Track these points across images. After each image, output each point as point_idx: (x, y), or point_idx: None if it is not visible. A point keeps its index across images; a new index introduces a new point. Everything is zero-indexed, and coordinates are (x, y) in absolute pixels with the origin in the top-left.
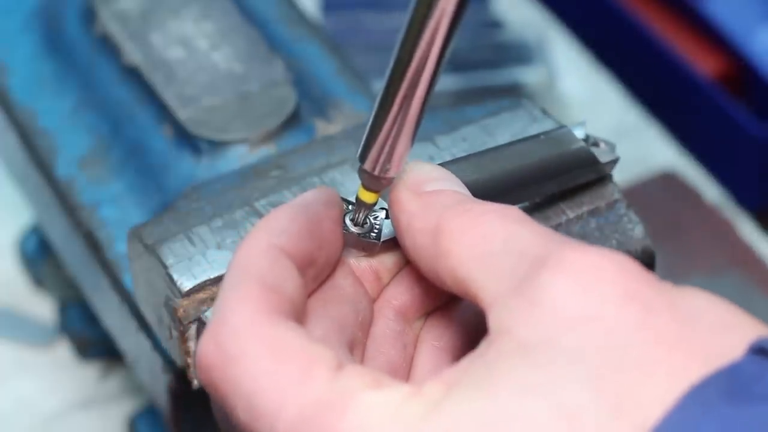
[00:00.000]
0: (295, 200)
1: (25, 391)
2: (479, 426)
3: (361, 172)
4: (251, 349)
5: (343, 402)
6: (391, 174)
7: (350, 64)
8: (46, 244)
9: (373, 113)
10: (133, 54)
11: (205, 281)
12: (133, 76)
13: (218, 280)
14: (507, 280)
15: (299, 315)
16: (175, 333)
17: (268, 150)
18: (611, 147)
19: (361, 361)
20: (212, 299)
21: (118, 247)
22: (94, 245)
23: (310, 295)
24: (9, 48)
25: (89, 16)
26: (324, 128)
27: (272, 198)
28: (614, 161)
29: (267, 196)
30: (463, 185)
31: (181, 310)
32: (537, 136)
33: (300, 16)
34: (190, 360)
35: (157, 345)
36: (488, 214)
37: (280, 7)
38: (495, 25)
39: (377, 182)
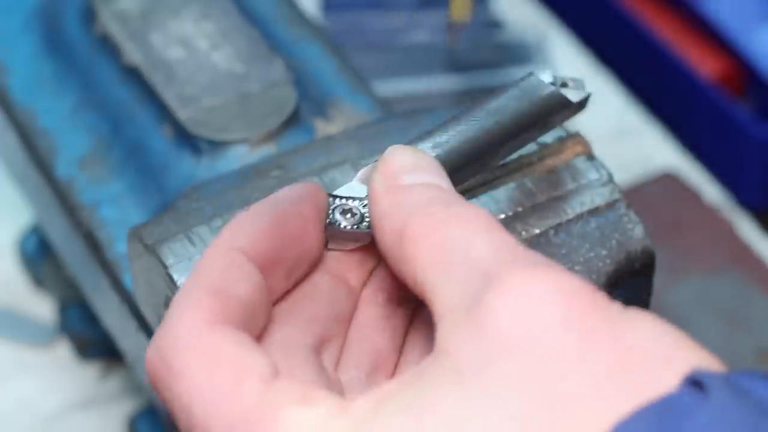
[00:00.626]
0: (262, 200)
1: (25, 391)
2: None
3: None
4: (189, 361)
5: (271, 417)
6: None
7: (350, 64)
8: (46, 244)
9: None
10: (133, 54)
11: None
12: (133, 76)
13: None
14: (458, 296)
15: (255, 317)
16: None
17: (268, 150)
18: (580, 84)
19: (339, 354)
20: None
21: (118, 247)
22: (94, 245)
23: (287, 294)
24: (9, 48)
25: (89, 16)
26: (324, 128)
27: None
28: (586, 98)
29: (267, 196)
30: (442, 173)
31: None
32: (506, 88)
33: (300, 16)
34: None
35: None
36: (451, 220)
37: (280, 7)
38: (495, 25)
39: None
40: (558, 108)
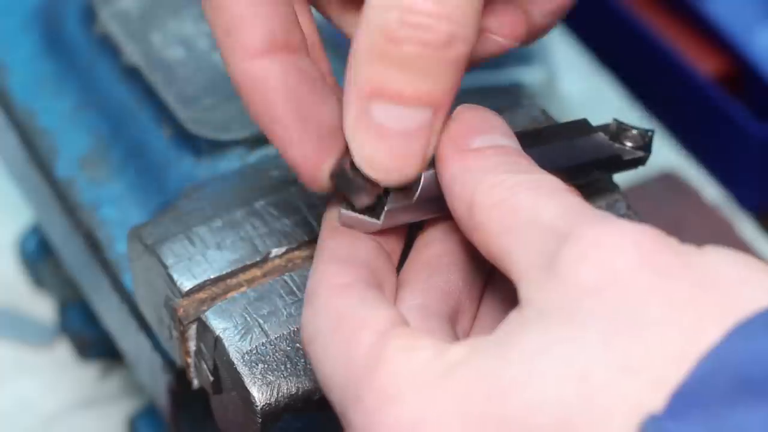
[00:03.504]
0: None
1: (25, 391)
2: (488, 386)
3: None
4: (319, 325)
5: (377, 366)
6: None
7: None
8: (46, 244)
9: None
10: (133, 54)
11: (205, 281)
12: (133, 76)
13: (218, 280)
14: (534, 256)
15: (380, 277)
16: (175, 333)
17: (268, 150)
18: (641, 138)
19: (470, 326)
20: (212, 299)
21: (118, 247)
22: (94, 245)
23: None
24: (9, 48)
25: (89, 16)
26: None
27: (272, 198)
28: (639, 159)
29: (267, 196)
30: (510, 132)
31: (181, 310)
32: (560, 134)
33: None
34: (190, 360)
35: (157, 345)
36: (518, 186)
37: None
38: None
39: None
40: (608, 163)
